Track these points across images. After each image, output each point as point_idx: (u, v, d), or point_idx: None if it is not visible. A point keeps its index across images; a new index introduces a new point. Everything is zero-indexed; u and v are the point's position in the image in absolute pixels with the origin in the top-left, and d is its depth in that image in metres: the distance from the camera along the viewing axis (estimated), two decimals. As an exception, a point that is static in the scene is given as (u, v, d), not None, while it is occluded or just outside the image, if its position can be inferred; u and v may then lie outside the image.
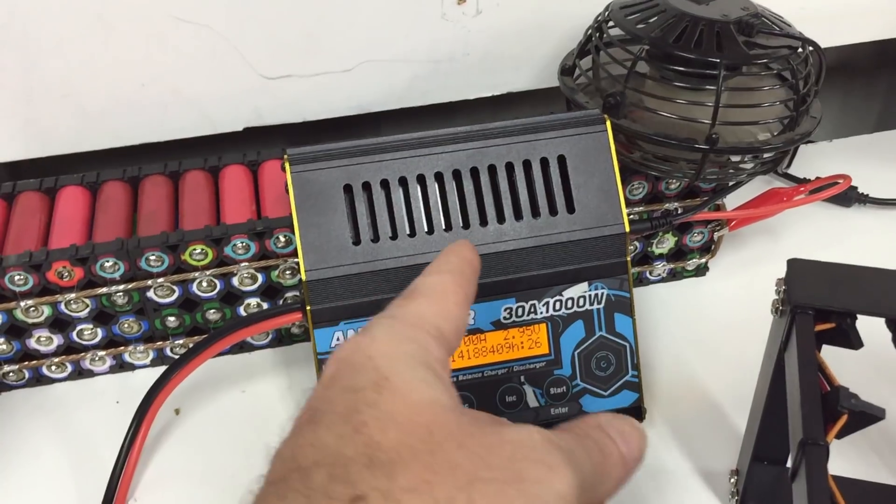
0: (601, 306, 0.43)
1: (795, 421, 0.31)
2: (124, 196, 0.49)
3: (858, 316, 0.34)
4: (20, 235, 0.46)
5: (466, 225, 0.42)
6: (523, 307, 0.42)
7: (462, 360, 0.42)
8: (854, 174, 0.61)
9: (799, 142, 0.45)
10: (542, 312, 0.42)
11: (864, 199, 0.59)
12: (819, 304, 0.33)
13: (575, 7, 0.52)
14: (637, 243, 0.52)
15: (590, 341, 0.43)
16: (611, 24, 0.47)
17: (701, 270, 0.55)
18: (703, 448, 0.45)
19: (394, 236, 0.41)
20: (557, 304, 0.42)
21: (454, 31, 0.52)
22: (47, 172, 0.49)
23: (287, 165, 0.41)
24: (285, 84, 0.52)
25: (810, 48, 0.46)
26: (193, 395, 0.48)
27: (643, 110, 0.46)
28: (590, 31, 0.48)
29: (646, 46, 0.45)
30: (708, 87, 0.44)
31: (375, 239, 0.41)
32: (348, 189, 0.41)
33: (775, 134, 0.46)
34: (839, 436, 0.30)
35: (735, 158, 0.46)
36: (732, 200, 0.54)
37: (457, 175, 0.42)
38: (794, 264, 0.35)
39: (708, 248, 0.54)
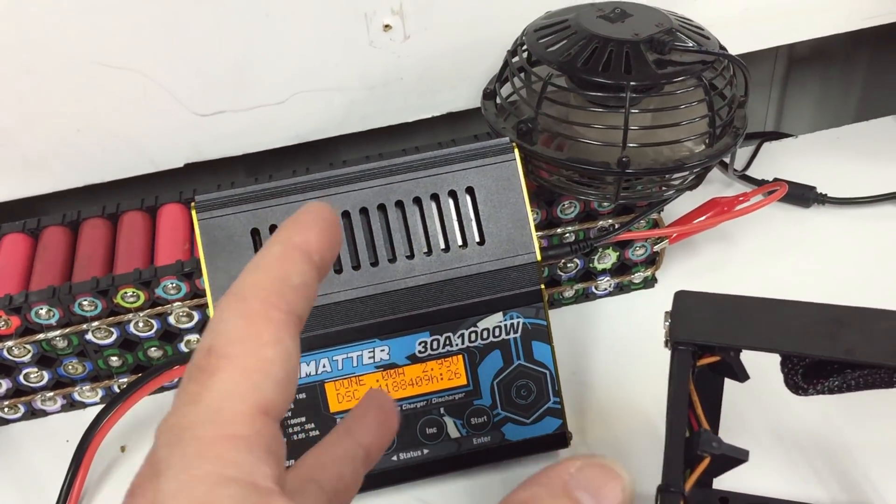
0: (517, 335, 0.43)
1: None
2: (64, 241, 0.50)
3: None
4: (-39, 285, 0.47)
5: (375, 262, 0.42)
6: (438, 340, 0.42)
7: (380, 395, 0.42)
8: (819, 170, 0.60)
9: (718, 158, 0.44)
10: (457, 344, 0.42)
11: (823, 200, 0.58)
12: (700, 340, 0.33)
13: (505, 26, 0.52)
14: (577, 261, 0.52)
15: (508, 370, 0.43)
16: (524, 48, 0.46)
17: (649, 282, 0.54)
18: (635, 464, 0.45)
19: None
20: (473, 336, 0.43)
21: (384, 57, 0.52)
22: (-7, 220, 0.51)
23: (194, 213, 0.41)
24: (221, 119, 0.53)
25: (726, 62, 0.45)
26: (139, 430, 0.49)
27: (565, 137, 0.45)
28: (507, 55, 0.48)
29: (555, 71, 0.44)
30: (621, 109, 0.43)
31: (284, 281, 0.41)
32: (256, 233, 0.41)
33: (698, 151, 0.46)
34: (705, 477, 0.29)
35: (658, 178, 0.45)
36: (677, 208, 0.53)
37: (364, 213, 0.42)
38: (680, 298, 0.35)
39: (653, 261, 0.53)
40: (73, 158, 0.52)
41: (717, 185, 0.61)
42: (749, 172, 0.60)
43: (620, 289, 0.54)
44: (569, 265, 0.52)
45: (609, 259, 0.52)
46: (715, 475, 0.30)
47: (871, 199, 0.58)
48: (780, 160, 0.63)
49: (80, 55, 0.48)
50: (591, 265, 0.52)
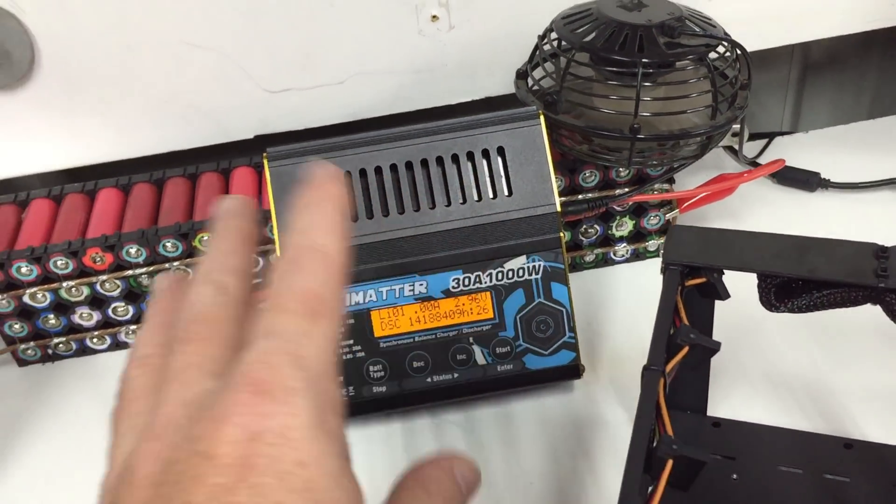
0: (538, 276, 0.49)
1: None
2: (150, 196, 0.58)
3: (725, 271, 0.39)
4: (65, 228, 0.56)
5: (417, 207, 0.49)
6: (469, 277, 0.49)
7: (418, 324, 0.49)
8: (826, 161, 0.66)
9: (721, 129, 0.51)
10: (486, 282, 0.49)
11: (827, 184, 0.63)
12: (686, 261, 0.39)
13: (537, 19, 0.59)
14: (597, 227, 0.58)
15: (530, 307, 0.49)
16: (553, 33, 0.53)
17: (663, 251, 0.60)
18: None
19: (355, 219, 0.49)
20: (500, 275, 0.49)
21: (431, 45, 0.60)
22: (87, 178, 0.59)
23: (265, 162, 0.49)
24: (287, 97, 0.60)
25: (728, 46, 0.51)
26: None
27: (585, 108, 0.52)
28: (538, 40, 0.55)
29: (582, 52, 0.51)
30: (635, 84, 0.50)
31: (340, 221, 0.48)
32: (317, 180, 0.49)
33: (702, 124, 0.52)
34: (683, 365, 0.35)
35: (667, 145, 0.52)
36: (688, 183, 0.59)
37: (409, 166, 0.49)
38: (674, 230, 0.41)
39: (665, 231, 0.59)
40: (159, 126, 0.60)
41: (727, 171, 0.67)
42: (759, 161, 0.66)
43: (636, 256, 0.60)
44: (589, 230, 0.58)
45: (626, 227, 0.58)
46: (693, 363, 0.35)
47: (871, 185, 0.63)
48: (788, 152, 0.69)
49: (170, 34, 0.56)
50: (609, 232, 0.58)
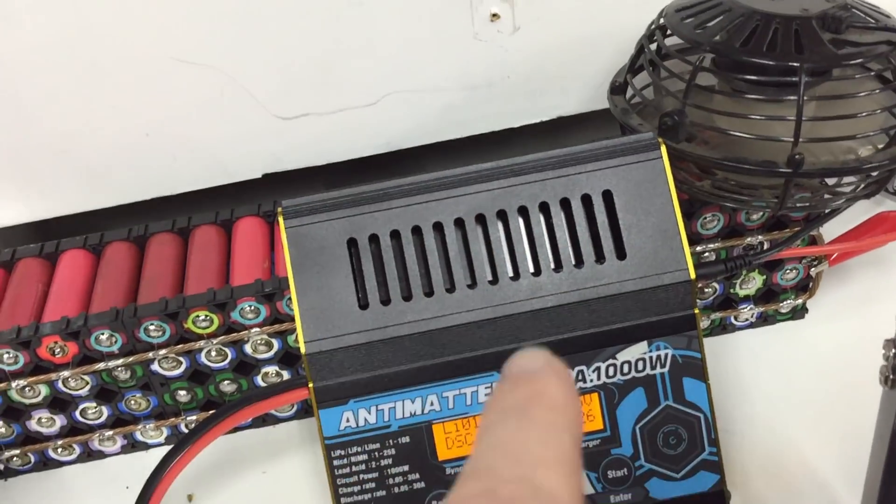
0: (665, 370, 0.35)
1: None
2: (129, 258, 0.44)
3: None
4: (15, 307, 0.42)
5: (495, 280, 0.35)
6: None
7: (498, 441, 0.35)
8: None
9: (909, 157, 0.37)
10: (592, 380, 0.35)
11: None
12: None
13: (629, 15, 0.45)
14: (716, 284, 0.44)
15: (654, 413, 0.35)
16: (667, 31, 0.39)
17: (798, 313, 0.46)
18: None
19: (407, 297, 0.35)
20: (611, 370, 0.35)
21: (489, 52, 0.46)
22: (51, 237, 0.45)
23: (281, 220, 0.35)
24: (303, 124, 0.46)
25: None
26: (208, 477, 0.43)
27: (711, 131, 0.38)
28: (642, 40, 0.41)
29: (708, 54, 0.37)
30: (789, 97, 0.36)
31: (386, 301, 0.35)
32: (353, 243, 0.35)
33: (880, 148, 0.38)
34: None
35: (829, 182, 0.38)
36: (833, 227, 0.45)
37: (481, 220, 0.35)
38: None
39: (805, 287, 0.45)
40: (140, 168, 0.46)
41: (865, 206, 0.53)
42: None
43: (764, 319, 0.46)
44: (706, 290, 0.44)
45: (754, 283, 0.44)
46: None
47: None
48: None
49: (152, 48, 0.43)
50: (731, 290, 0.44)
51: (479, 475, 0.18)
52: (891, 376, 0.27)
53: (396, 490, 0.35)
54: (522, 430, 0.19)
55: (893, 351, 0.27)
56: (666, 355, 0.35)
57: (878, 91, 0.37)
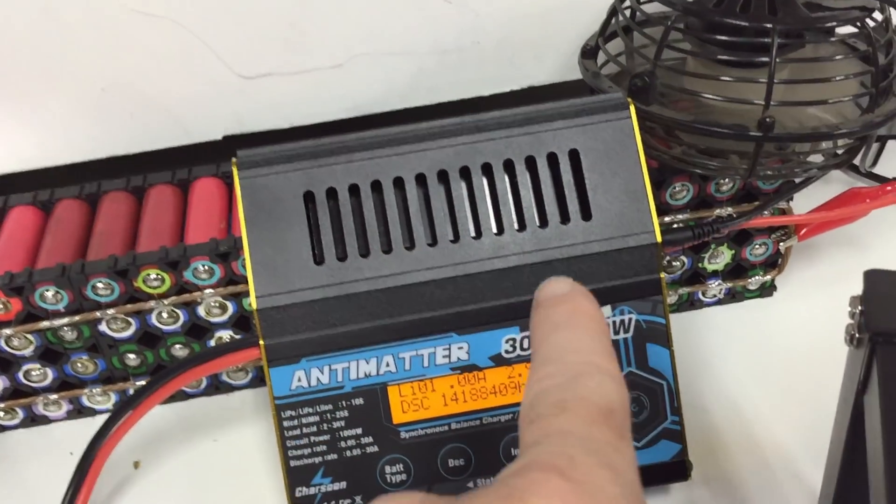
0: (629, 335, 0.34)
1: (878, 494, 0.22)
2: (80, 216, 0.42)
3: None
4: (-44, 263, 0.40)
5: (456, 238, 0.34)
6: (529, 338, 0.34)
7: (455, 405, 0.34)
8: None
9: (880, 125, 0.36)
10: (553, 344, 0.34)
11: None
12: (911, 332, 0.24)
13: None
14: (684, 258, 0.43)
15: (616, 380, 0.34)
16: (637, -7, 0.38)
17: (766, 290, 0.45)
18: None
19: (365, 253, 0.33)
20: (573, 334, 0.34)
21: (460, 16, 0.45)
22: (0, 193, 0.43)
23: (235, 171, 0.34)
24: (267, 83, 0.45)
25: (892, 10, 0.37)
26: (156, 444, 0.41)
27: (681, 93, 0.37)
28: (615, 3, 0.40)
29: (679, 14, 0.36)
30: (761, 59, 0.35)
31: (343, 257, 0.33)
32: (309, 197, 0.34)
33: (849, 118, 0.37)
34: None
35: (800, 149, 0.37)
36: (801, 205, 0.45)
37: (443, 177, 0.34)
38: (873, 277, 0.26)
39: (774, 263, 0.45)
40: (95, 124, 0.45)
41: (837, 186, 0.52)
42: (876, 170, 0.52)
43: (732, 296, 0.45)
44: (674, 264, 0.43)
45: (722, 258, 0.43)
46: None
47: None
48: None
49: (111, -2, 0.41)
50: (700, 264, 0.44)
51: (550, 363, 0.23)
52: (856, 335, 0.26)
53: (349, 454, 0.34)
54: (573, 333, 0.24)
55: (860, 308, 0.26)
56: (630, 320, 0.34)
57: (850, 56, 0.36)
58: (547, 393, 0.22)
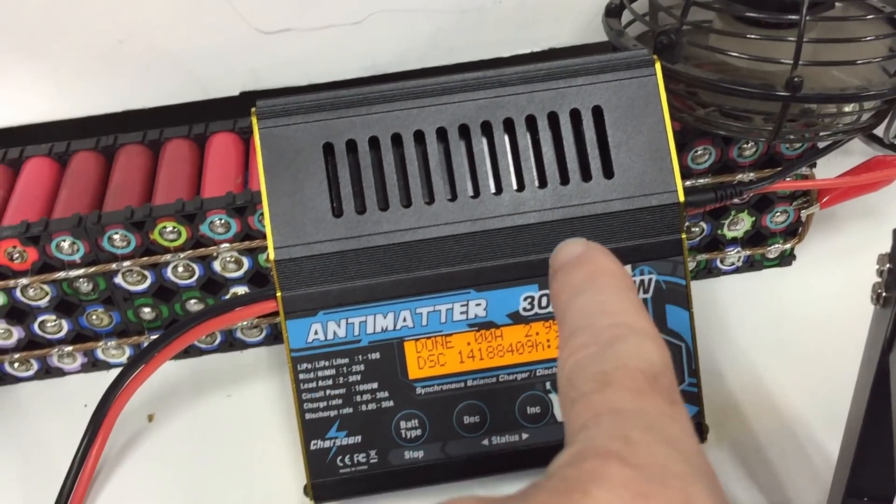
0: (648, 296, 0.34)
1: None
2: (95, 169, 0.42)
3: None
4: (-26, 212, 0.40)
5: (476, 193, 0.33)
6: (548, 296, 0.34)
7: (472, 362, 0.34)
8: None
9: (912, 88, 0.35)
10: (572, 303, 0.34)
11: None
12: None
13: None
14: (704, 224, 0.43)
15: (634, 340, 0.34)
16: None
17: (785, 259, 0.45)
18: (783, 479, 0.36)
19: (384, 207, 0.33)
20: (592, 293, 0.34)
21: (482, -26, 0.44)
22: (13, 143, 0.43)
23: (254, 120, 0.33)
24: (285, 39, 0.45)
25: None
26: (171, 398, 0.41)
27: (707, 51, 0.37)
28: (640, -41, 0.39)
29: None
30: (789, 17, 0.34)
31: (361, 210, 0.33)
32: (329, 148, 0.33)
33: (875, 83, 0.37)
34: None
35: (827, 110, 0.37)
36: (821, 176, 0.44)
37: (464, 131, 0.34)
38: (904, 235, 0.26)
39: (794, 232, 0.44)
40: (112, 77, 0.44)
41: (859, 157, 0.52)
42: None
43: (751, 265, 0.45)
44: (693, 229, 0.43)
45: (742, 225, 0.43)
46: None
47: None
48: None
49: (129, -53, 0.41)
50: (719, 231, 0.43)
51: (580, 332, 0.22)
52: (883, 293, 0.26)
53: (364, 408, 0.33)
54: (598, 295, 0.23)
55: (888, 266, 0.25)
56: (650, 280, 0.34)
57: (880, 17, 0.35)
58: (583, 367, 0.21)
